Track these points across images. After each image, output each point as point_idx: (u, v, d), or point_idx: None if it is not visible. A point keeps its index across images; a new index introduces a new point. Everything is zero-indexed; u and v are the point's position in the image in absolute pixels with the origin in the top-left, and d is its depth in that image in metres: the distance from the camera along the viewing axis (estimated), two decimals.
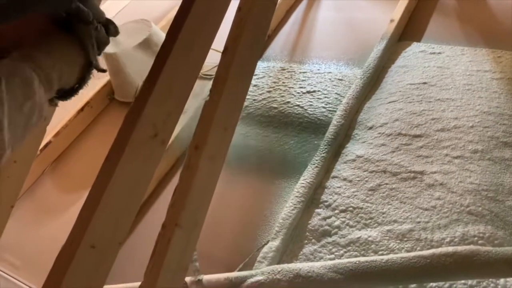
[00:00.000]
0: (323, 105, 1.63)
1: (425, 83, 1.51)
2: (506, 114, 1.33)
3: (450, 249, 0.95)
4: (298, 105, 1.67)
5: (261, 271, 1.02)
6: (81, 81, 0.73)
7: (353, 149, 1.40)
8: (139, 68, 1.95)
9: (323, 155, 1.38)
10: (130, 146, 0.68)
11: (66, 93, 0.73)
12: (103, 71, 0.77)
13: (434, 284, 1.03)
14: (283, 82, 1.81)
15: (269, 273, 1.00)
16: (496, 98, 1.38)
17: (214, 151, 0.86)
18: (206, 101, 0.88)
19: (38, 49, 0.68)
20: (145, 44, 1.91)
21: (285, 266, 1.02)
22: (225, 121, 0.88)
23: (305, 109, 1.64)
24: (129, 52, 1.90)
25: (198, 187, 0.83)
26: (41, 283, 1.54)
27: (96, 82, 2.05)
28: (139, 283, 0.80)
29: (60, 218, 1.68)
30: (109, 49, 1.90)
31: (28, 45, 0.67)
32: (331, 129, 1.46)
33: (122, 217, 0.68)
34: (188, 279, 1.04)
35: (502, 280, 1.01)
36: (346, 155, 1.39)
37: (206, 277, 1.03)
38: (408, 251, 1.10)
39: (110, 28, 0.78)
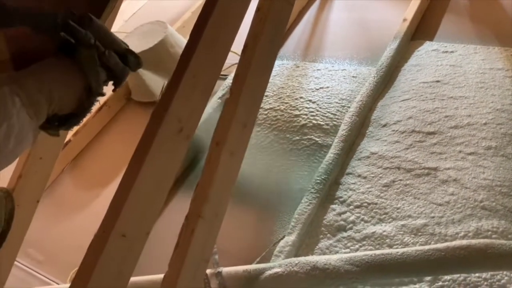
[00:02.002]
0: (336, 100, 1.65)
1: (438, 81, 1.53)
2: None
3: (464, 242, 0.97)
4: (310, 100, 1.70)
5: (278, 264, 1.05)
6: (81, 107, 0.70)
7: (367, 146, 1.42)
8: (155, 69, 1.99)
9: (337, 152, 1.41)
10: (157, 141, 0.71)
11: (66, 121, 0.70)
12: (102, 95, 0.73)
13: (448, 277, 1.05)
14: (297, 79, 1.84)
15: (286, 265, 1.03)
16: (509, 95, 1.40)
17: (234, 147, 0.89)
18: (227, 98, 0.91)
19: (28, 72, 0.66)
20: (161, 45, 1.95)
21: (302, 258, 1.04)
22: (244, 118, 0.92)
23: (318, 105, 1.66)
24: (145, 53, 1.94)
25: (220, 181, 0.86)
26: (63, 277, 1.59)
27: None
28: (162, 275, 0.83)
29: (80, 214, 1.72)
30: None
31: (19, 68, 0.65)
32: (344, 126, 1.48)
33: (149, 208, 0.72)
34: (208, 271, 1.07)
35: None
36: (361, 152, 1.41)
37: (225, 269, 1.07)
38: (422, 245, 1.12)
39: (130, 58, 0.75)
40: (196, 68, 0.77)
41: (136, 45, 1.96)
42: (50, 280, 1.55)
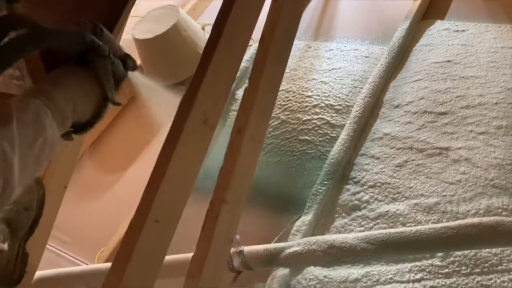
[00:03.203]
0: (349, 81, 1.68)
1: (449, 61, 1.55)
2: None
3: (476, 220, 1.01)
4: (322, 82, 1.73)
5: (297, 243, 1.11)
6: (97, 114, 0.74)
7: (380, 127, 1.46)
8: (168, 53, 2.02)
9: (350, 133, 1.45)
10: (185, 132, 0.76)
11: (82, 127, 0.74)
12: (119, 104, 0.77)
13: (459, 252, 1.10)
14: (309, 60, 1.86)
15: (305, 244, 1.09)
16: None
17: (254, 133, 0.93)
18: (246, 87, 0.95)
19: (52, 83, 0.69)
20: (174, 30, 1.98)
21: (320, 237, 1.09)
22: (263, 105, 0.96)
23: (331, 86, 1.69)
24: (158, 38, 1.96)
25: (242, 166, 0.91)
26: (89, 256, 1.67)
27: None
28: (186, 255, 0.89)
29: (102, 197, 1.79)
30: (139, 35, 1.98)
31: (42, 79, 0.70)
32: (357, 107, 1.51)
33: (180, 195, 0.77)
34: (231, 250, 1.13)
35: None
36: (374, 133, 1.45)
37: (246, 249, 1.12)
38: (434, 223, 1.17)
39: (128, 63, 0.79)
40: (219, 61, 0.81)
41: (149, 30, 1.99)
42: (77, 260, 1.63)
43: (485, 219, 1.00)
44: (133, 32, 1.99)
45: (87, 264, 1.54)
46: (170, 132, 0.77)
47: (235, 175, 0.89)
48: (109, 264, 1.27)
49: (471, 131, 1.33)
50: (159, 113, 2.06)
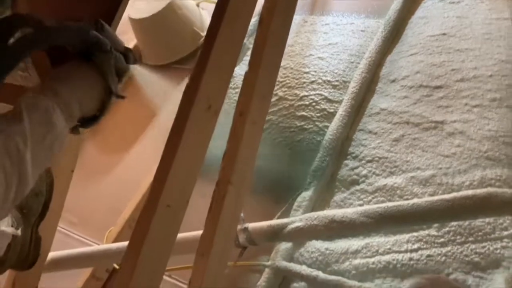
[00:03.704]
0: (345, 56, 1.69)
1: (444, 34, 1.56)
2: None
3: (470, 192, 1.05)
4: (319, 57, 1.74)
5: (299, 218, 1.15)
6: (102, 108, 0.76)
7: (377, 102, 1.49)
8: (165, 32, 2.02)
9: (348, 109, 1.47)
10: (190, 119, 0.79)
11: (88, 121, 0.76)
12: (122, 98, 0.79)
13: (454, 222, 1.14)
14: (306, 35, 1.87)
15: (307, 219, 1.13)
16: None
17: (255, 117, 0.96)
18: (246, 71, 0.97)
19: (58, 80, 0.71)
20: (169, 8, 1.97)
21: (321, 213, 1.14)
22: (263, 89, 0.98)
23: (328, 62, 1.71)
24: (154, 17, 1.96)
25: (245, 149, 0.94)
26: (97, 235, 1.72)
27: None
28: (199, 232, 0.93)
29: (106, 179, 1.83)
30: (135, 15, 1.97)
31: (49, 76, 0.72)
32: (354, 83, 1.54)
33: (188, 179, 0.81)
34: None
35: None
36: (371, 109, 1.48)
37: (251, 225, 1.17)
38: (430, 195, 1.21)
39: (129, 56, 0.80)
40: (220, 48, 0.83)
41: (144, 9, 1.98)
42: (85, 239, 1.68)
43: (479, 191, 1.05)
44: (128, 12, 1.98)
45: (95, 243, 1.60)
46: (176, 120, 0.80)
47: (239, 158, 0.93)
48: (118, 244, 1.33)
49: (465, 104, 1.37)
50: (156, 93, 2.08)
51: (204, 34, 2.14)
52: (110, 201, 1.75)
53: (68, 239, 1.65)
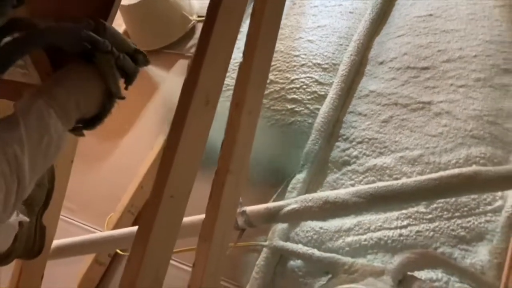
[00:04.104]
0: (334, 39, 1.72)
1: (430, 15, 1.59)
2: (507, 42, 1.43)
3: (456, 171, 1.11)
4: (309, 40, 1.76)
5: (294, 200, 1.21)
6: (103, 109, 0.76)
7: (366, 85, 1.53)
8: (154, 17, 2.02)
9: (338, 92, 1.51)
10: (190, 114, 0.82)
11: (90, 122, 0.76)
12: (123, 98, 0.79)
13: (442, 199, 1.21)
14: (295, 18, 1.88)
15: (302, 201, 1.18)
16: (497, 26, 1.48)
17: (251, 107, 1.00)
18: (241, 62, 1.00)
19: (53, 82, 0.72)
20: None
21: (315, 195, 1.19)
22: (258, 79, 1.02)
23: (317, 44, 1.73)
24: (144, 3, 1.96)
25: (242, 138, 0.98)
26: (96, 221, 1.76)
27: None
28: (201, 216, 0.98)
29: (103, 165, 1.86)
30: (125, 1, 1.96)
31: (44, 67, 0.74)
32: (343, 66, 1.57)
33: (190, 171, 0.85)
34: None
35: (499, 192, 1.19)
36: (360, 91, 1.52)
37: (248, 209, 1.22)
38: (419, 174, 1.27)
39: (139, 58, 0.80)
40: (216, 42, 0.85)
41: None
42: (86, 225, 1.72)
43: (464, 170, 1.11)
44: None
45: (95, 229, 1.64)
46: (176, 115, 0.83)
47: (237, 147, 0.97)
48: (120, 231, 1.37)
49: (451, 84, 1.41)
50: (147, 79, 2.09)
51: (193, 18, 2.15)
52: (107, 188, 1.79)
53: (69, 226, 1.69)
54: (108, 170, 1.84)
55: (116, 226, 1.54)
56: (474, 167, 1.13)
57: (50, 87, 0.72)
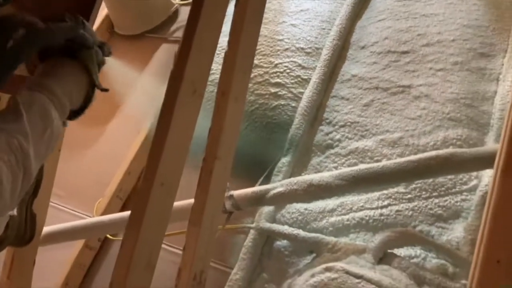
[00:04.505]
0: (317, 23, 1.74)
1: None
2: (483, 26, 1.48)
3: (433, 153, 1.16)
4: (292, 24, 1.78)
5: (280, 184, 1.25)
6: (87, 100, 0.80)
7: (349, 69, 1.56)
8: (136, 1, 2.01)
9: (321, 76, 1.54)
10: (178, 104, 0.84)
11: (75, 114, 0.80)
12: (106, 90, 0.84)
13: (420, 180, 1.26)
14: (278, 1, 1.89)
15: (287, 185, 1.23)
16: (475, 10, 1.52)
17: (237, 94, 1.03)
18: (226, 51, 1.02)
19: (48, 76, 0.75)
20: None
21: (300, 178, 1.24)
22: (244, 65, 1.04)
23: (300, 29, 1.75)
24: None
25: (228, 125, 1.01)
26: (84, 207, 1.77)
27: None
28: (189, 201, 1.01)
29: (88, 152, 1.87)
30: None
31: (37, 72, 0.76)
32: (326, 51, 1.60)
33: (179, 158, 0.88)
34: None
35: (475, 172, 1.24)
36: (343, 75, 1.55)
37: (236, 193, 1.26)
38: (399, 156, 1.32)
39: (105, 49, 0.84)
40: (201, 32, 0.87)
41: None
42: (73, 211, 1.74)
43: (441, 152, 1.16)
44: None
45: (84, 215, 1.66)
46: (164, 105, 0.85)
47: (224, 134, 1.00)
48: (110, 216, 1.40)
49: (430, 68, 1.46)
50: (130, 63, 2.08)
51: (176, 2, 2.14)
52: (94, 174, 1.80)
53: (57, 212, 1.71)
54: (94, 156, 1.85)
55: (105, 211, 1.57)
56: (450, 149, 1.18)
57: (46, 81, 0.74)
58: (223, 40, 1.01)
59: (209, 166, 0.99)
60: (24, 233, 1.21)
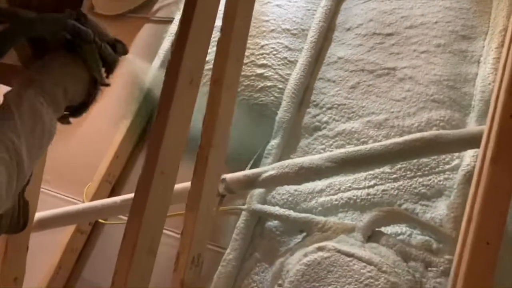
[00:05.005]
0: (302, 4, 1.75)
1: None
2: (465, 9, 1.51)
3: (418, 135, 1.21)
4: (277, 5, 1.78)
5: (271, 167, 1.28)
6: (89, 96, 0.80)
7: (335, 51, 1.58)
8: None
9: (308, 59, 1.56)
10: (176, 94, 0.86)
11: (77, 110, 0.81)
12: (108, 85, 0.83)
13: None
14: None
15: (279, 168, 1.26)
16: None
17: (230, 82, 1.04)
18: (219, 38, 1.03)
19: (42, 71, 0.74)
20: None
21: (291, 161, 1.27)
22: (238, 52, 1.05)
23: (286, 9, 1.76)
24: None
25: (222, 114, 1.03)
26: (71, 191, 1.77)
27: None
28: (184, 184, 1.04)
29: (74, 134, 1.86)
30: None
31: (31, 67, 0.75)
32: (312, 33, 1.61)
33: (178, 146, 0.89)
34: None
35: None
36: (329, 57, 1.58)
37: (228, 176, 1.28)
38: (384, 137, 1.36)
39: (118, 47, 0.84)
40: (198, 23, 0.88)
41: None
42: (61, 195, 1.74)
43: (426, 134, 1.21)
44: None
45: (73, 199, 1.67)
46: (162, 95, 0.86)
47: (218, 122, 1.02)
48: (103, 201, 1.41)
49: (414, 50, 1.49)
50: None
51: None
52: (81, 157, 1.80)
53: (46, 197, 1.71)
54: (81, 139, 1.84)
55: (94, 196, 1.58)
56: (435, 131, 1.23)
57: (38, 76, 0.74)
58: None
59: (205, 153, 1.01)
60: (18, 221, 1.21)
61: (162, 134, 0.84)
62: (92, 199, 1.56)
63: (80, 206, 1.42)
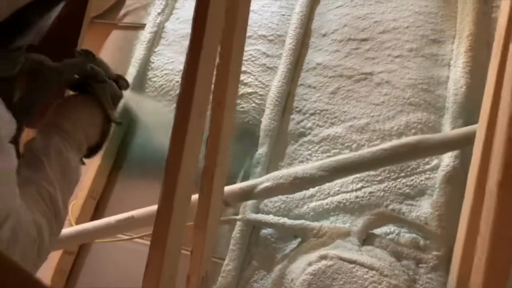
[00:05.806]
0: (276, 9, 1.77)
1: None
2: (433, 13, 1.60)
3: (403, 140, 1.29)
4: (252, 11, 1.79)
5: (266, 178, 1.32)
6: (104, 136, 0.82)
7: (313, 57, 1.63)
8: None
9: (287, 65, 1.60)
10: (189, 131, 0.86)
11: (93, 150, 0.82)
12: (120, 123, 0.85)
13: None
14: None
15: (273, 179, 1.30)
16: None
17: (231, 102, 1.06)
18: (218, 63, 1.04)
19: (61, 115, 0.76)
20: None
21: (285, 171, 1.31)
22: (235, 75, 1.07)
23: (260, 15, 1.78)
24: None
25: (224, 133, 1.05)
26: None
27: None
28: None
29: None
30: None
31: (50, 112, 0.76)
32: (289, 39, 1.65)
33: (195, 152, 0.90)
34: None
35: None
36: (308, 64, 1.62)
37: (224, 189, 1.31)
38: (367, 141, 1.43)
39: (121, 82, 0.85)
40: (205, 66, 0.88)
41: None
42: None
43: (410, 139, 1.29)
44: None
45: None
46: (174, 132, 0.86)
47: (221, 142, 1.04)
48: (94, 223, 1.39)
49: (388, 55, 1.56)
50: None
51: None
52: None
53: None
54: None
55: (81, 212, 1.55)
56: (418, 136, 1.32)
57: (60, 121, 0.75)
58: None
59: (210, 173, 1.03)
60: None
61: (179, 167, 0.85)
62: (79, 216, 1.54)
63: (73, 228, 1.39)
